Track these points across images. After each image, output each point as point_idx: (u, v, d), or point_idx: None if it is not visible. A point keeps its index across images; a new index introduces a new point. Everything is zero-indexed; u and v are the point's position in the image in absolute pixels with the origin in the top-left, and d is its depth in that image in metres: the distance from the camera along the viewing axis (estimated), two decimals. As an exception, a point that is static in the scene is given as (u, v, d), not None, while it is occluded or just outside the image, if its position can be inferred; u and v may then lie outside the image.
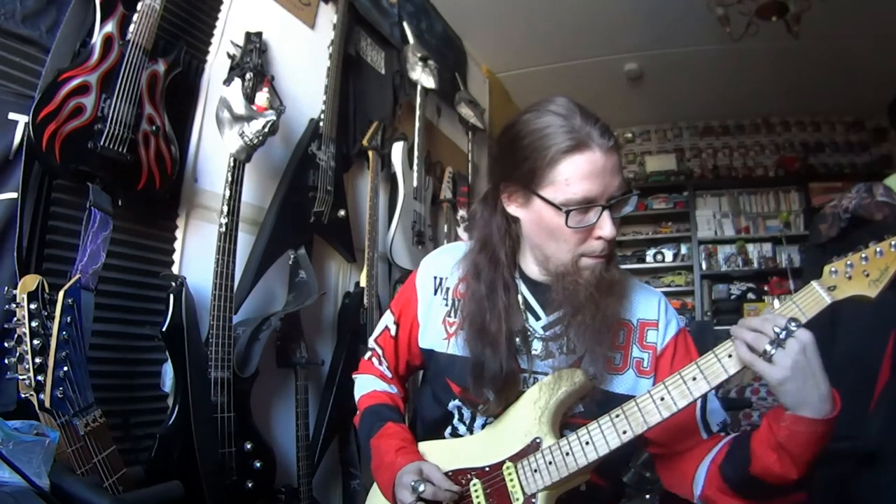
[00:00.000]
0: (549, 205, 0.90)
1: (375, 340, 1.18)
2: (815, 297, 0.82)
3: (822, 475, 1.29)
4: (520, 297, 1.01)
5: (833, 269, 0.82)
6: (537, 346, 0.99)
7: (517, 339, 0.98)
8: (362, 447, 1.11)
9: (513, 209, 0.98)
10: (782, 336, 0.77)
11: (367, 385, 1.16)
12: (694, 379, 0.84)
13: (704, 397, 0.92)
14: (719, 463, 0.90)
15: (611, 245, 0.93)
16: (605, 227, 0.89)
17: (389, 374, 1.16)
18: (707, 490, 0.91)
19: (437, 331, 1.06)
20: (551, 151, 0.88)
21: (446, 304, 1.07)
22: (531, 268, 1.02)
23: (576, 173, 0.87)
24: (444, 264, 1.09)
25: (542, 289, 1.00)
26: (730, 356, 0.83)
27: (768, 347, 0.77)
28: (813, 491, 1.30)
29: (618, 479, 1.12)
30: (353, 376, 1.20)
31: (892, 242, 0.80)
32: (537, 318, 1.00)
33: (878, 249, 0.80)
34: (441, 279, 1.08)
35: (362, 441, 1.10)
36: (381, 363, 1.16)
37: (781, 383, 0.77)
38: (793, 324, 0.77)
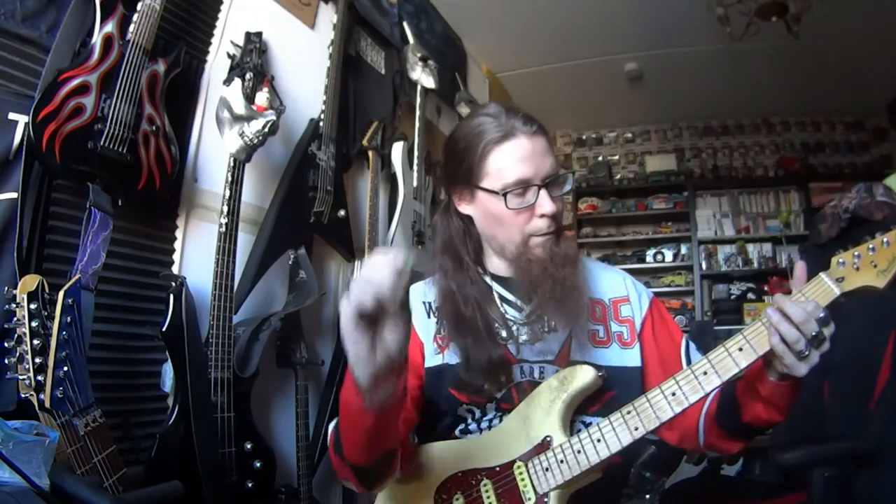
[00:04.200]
0: (490, 193, 0.98)
1: None
2: (824, 289, 0.83)
3: (822, 475, 1.29)
4: (495, 295, 1.05)
5: (841, 260, 0.83)
6: (523, 333, 1.01)
7: (499, 329, 1.01)
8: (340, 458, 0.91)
9: (463, 208, 1.05)
10: (819, 338, 0.80)
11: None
12: (705, 373, 0.86)
13: (688, 356, 1.04)
14: (713, 415, 0.99)
15: (556, 221, 0.99)
16: (545, 204, 0.96)
17: None
18: (708, 438, 1.00)
19: (431, 348, 1.07)
20: (482, 146, 0.97)
21: (437, 323, 1.08)
22: (496, 264, 1.07)
23: (507, 159, 0.96)
24: (428, 290, 1.11)
25: (513, 282, 1.04)
26: (740, 350, 0.85)
27: (804, 349, 0.80)
28: (813, 491, 1.31)
29: (633, 457, 1.14)
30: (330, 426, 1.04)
31: None
32: (519, 309, 1.03)
33: (885, 240, 0.81)
34: (430, 303, 1.10)
35: (336, 455, 0.91)
36: None
37: (802, 373, 0.81)
38: (823, 319, 0.79)
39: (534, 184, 0.96)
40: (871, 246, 0.81)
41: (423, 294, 1.12)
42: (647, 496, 2.34)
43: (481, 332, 0.98)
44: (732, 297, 4.67)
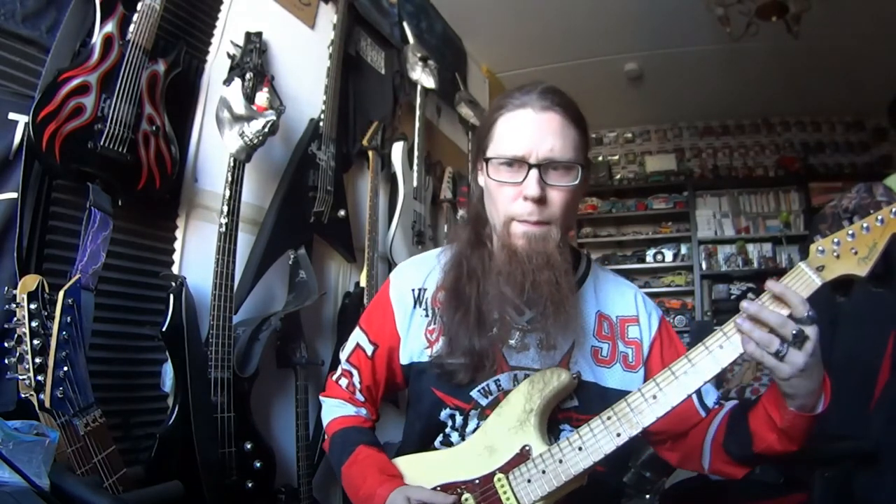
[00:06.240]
0: (486, 162, 0.94)
1: (348, 360, 1.10)
2: (805, 280, 0.78)
3: (822, 475, 1.30)
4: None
5: (820, 247, 0.78)
6: (514, 337, 0.96)
7: (493, 322, 0.94)
8: (336, 474, 1.05)
9: (479, 178, 1.01)
10: (801, 337, 0.75)
11: (335, 410, 1.10)
12: (686, 374, 0.82)
13: None
14: (721, 442, 0.93)
15: (544, 211, 0.90)
16: (530, 185, 0.88)
17: (362, 398, 1.09)
18: (715, 464, 0.96)
19: (419, 343, 1.02)
20: (495, 114, 0.95)
21: (426, 315, 1.03)
22: None
23: (505, 129, 0.93)
24: (419, 276, 1.06)
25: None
26: (721, 347, 0.81)
27: (780, 348, 0.76)
28: (813, 491, 1.31)
29: (621, 467, 1.11)
30: (320, 398, 1.14)
31: (879, 217, 0.77)
32: (521, 313, 0.98)
33: (864, 225, 0.77)
34: (420, 290, 1.05)
35: (335, 468, 1.04)
36: (351, 385, 1.09)
37: (789, 379, 0.77)
38: (810, 317, 0.75)
39: (526, 161, 0.89)
40: (850, 232, 0.76)
41: (413, 279, 1.06)
42: (647, 496, 2.34)
43: (470, 313, 0.93)
44: (732, 297, 4.67)
